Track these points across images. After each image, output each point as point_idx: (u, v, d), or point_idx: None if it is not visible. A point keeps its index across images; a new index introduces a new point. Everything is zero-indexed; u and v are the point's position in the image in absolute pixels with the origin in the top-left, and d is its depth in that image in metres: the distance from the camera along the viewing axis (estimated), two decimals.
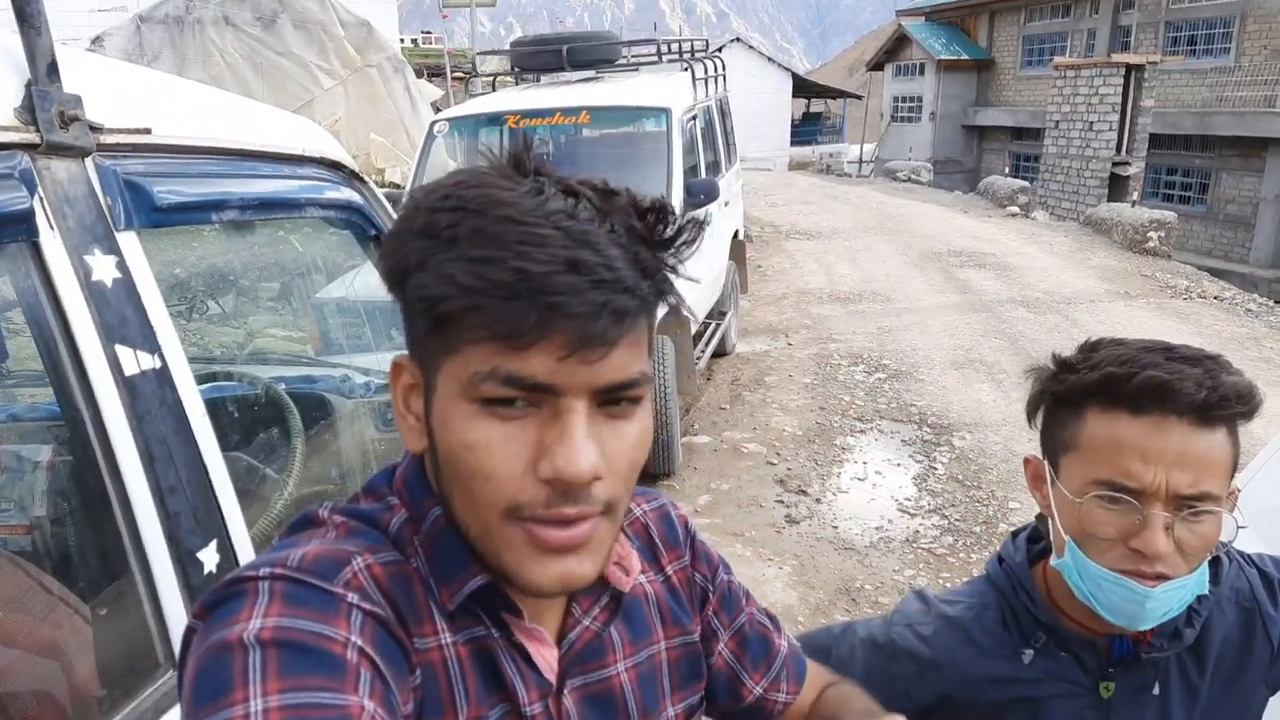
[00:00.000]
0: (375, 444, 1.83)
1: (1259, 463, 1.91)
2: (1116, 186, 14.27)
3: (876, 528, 4.18)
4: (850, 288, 9.00)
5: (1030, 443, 0.92)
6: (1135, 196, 14.11)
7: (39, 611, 1.03)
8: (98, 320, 0.90)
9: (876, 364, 6.54)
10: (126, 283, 0.95)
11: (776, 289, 9.03)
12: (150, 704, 0.92)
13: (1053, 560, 0.90)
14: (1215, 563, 0.92)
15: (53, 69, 0.88)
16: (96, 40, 9.56)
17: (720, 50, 8.13)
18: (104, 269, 0.92)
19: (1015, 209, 14.41)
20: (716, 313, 6.18)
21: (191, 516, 0.97)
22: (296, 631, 0.51)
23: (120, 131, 0.98)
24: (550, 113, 5.32)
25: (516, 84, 6.45)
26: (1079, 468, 0.85)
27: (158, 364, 0.96)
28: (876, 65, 29.20)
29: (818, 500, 4.46)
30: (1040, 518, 0.98)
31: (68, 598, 1.04)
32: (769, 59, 31.91)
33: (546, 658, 0.64)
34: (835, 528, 4.18)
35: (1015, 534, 1.02)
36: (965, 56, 24.92)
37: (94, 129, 0.93)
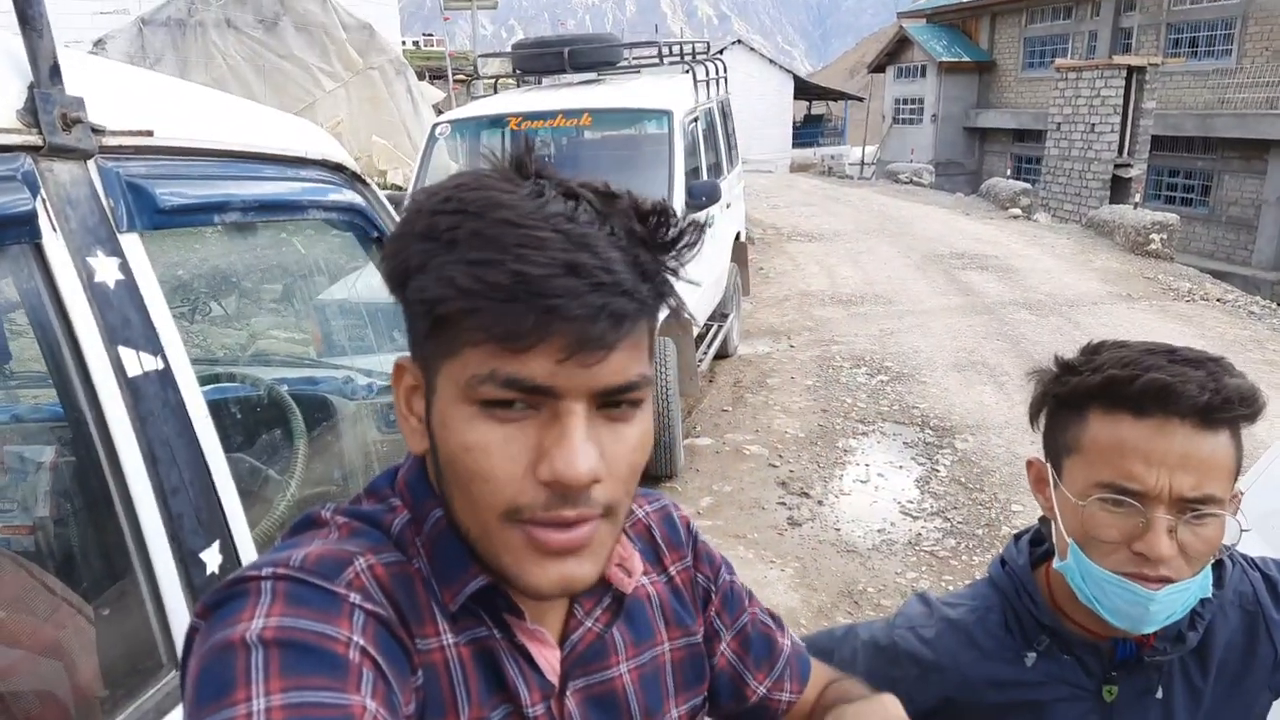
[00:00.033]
0: (377, 445, 1.83)
1: (1262, 465, 1.91)
2: (1118, 189, 14.26)
3: (879, 530, 4.17)
4: (852, 290, 9.00)
5: (1033, 445, 0.92)
6: (1137, 199, 14.11)
7: (42, 612, 1.03)
8: (100, 322, 0.90)
9: (879, 366, 6.54)
10: (129, 284, 0.95)
11: (778, 291, 9.03)
12: (153, 704, 0.92)
13: (1055, 563, 0.90)
14: (1218, 566, 0.92)
15: (55, 71, 0.88)
16: (99, 43, 9.58)
17: (722, 52, 8.13)
18: (107, 270, 0.93)
19: (1017, 211, 14.41)
20: (718, 315, 6.18)
21: (194, 517, 0.97)
22: (299, 631, 0.51)
23: (123, 134, 0.98)
24: (552, 115, 5.32)
25: (518, 86, 6.46)
26: (1082, 470, 0.85)
27: (160, 365, 0.97)
28: (878, 67, 29.21)
29: (820, 502, 4.46)
30: (1043, 520, 0.98)
31: (71, 598, 1.05)
32: (770, 61, 31.93)
33: (549, 659, 0.64)
34: (837, 530, 4.18)
35: (1018, 536, 1.02)
36: (967, 58, 24.92)
37: (96, 131, 0.94)
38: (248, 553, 1.05)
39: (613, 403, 0.56)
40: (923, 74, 25.79)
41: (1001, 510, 4.32)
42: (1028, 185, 15.91)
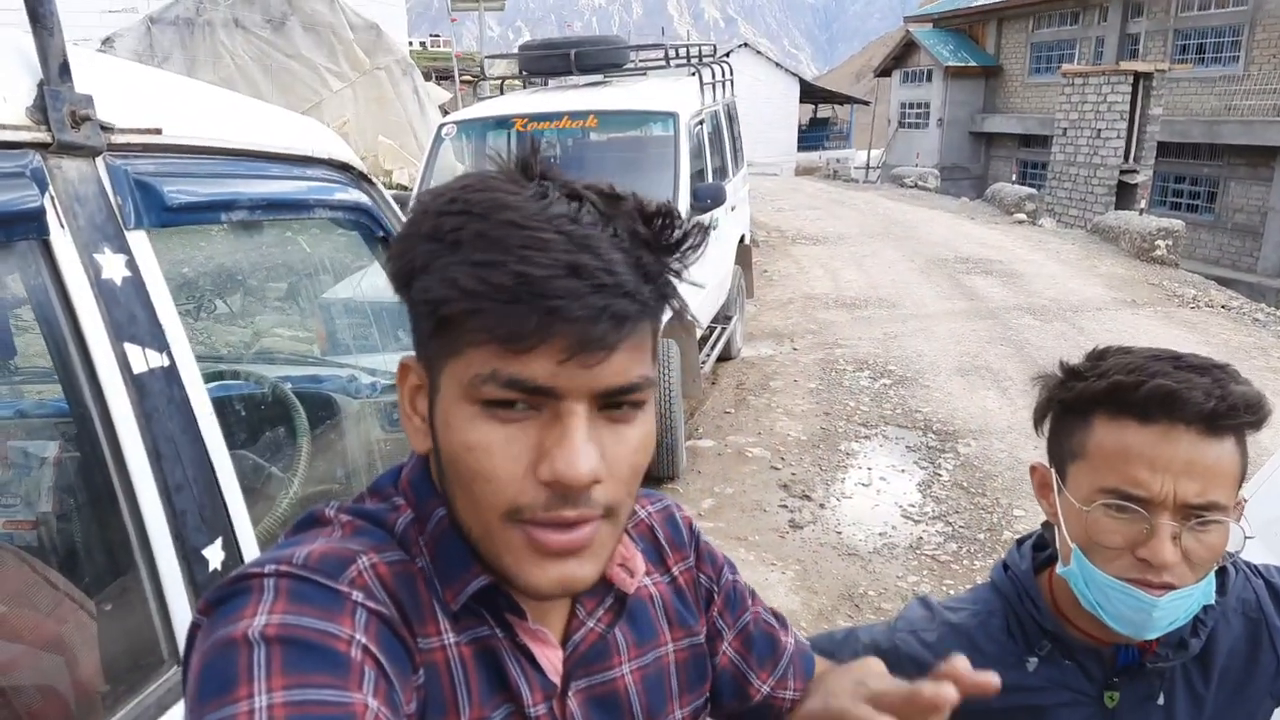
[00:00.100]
0: (380, 444, 1.84)
1: (1266, 472, 1.90)
2: (1124, 194, 14.24)
3: (880, 534, 4.17)
4: (856, 293, 9.00)
5: (1036, 450, 0.92)
6: (1143, 204, 14.09)
7: (44, 606, 1.04)
8: (107, 318, 0.91)
9: (882, 370, 6.53)
10: (136, 281, 0.95)
11: (782, 294, 9.02)
12: (154, 700, 0.92)
13: (1059, 568, 0.90)
14: (1222, 573, 0.92)
15: (65, 69, 0.89)
16: (107, 41, 9.61)
17: (728, 55, 8.15)
18: (114, 268, 0.93)
19: (1022, 216, 14.39)
20: (722, 317, 6.18)
21: (197, 514, 0.97)
22: (301, 629, 0.51)
23: (131, 131, 0.98)
24: (558, 116, 5.33)
25: (524, 87, 6.47)
26: (1086, 476, 0.85)
27: (166, 362, 0.97)
28: (884, 71, 29.21)
29: (821, 505, 4.46)
30: (1046, 525, 0.98)
31: (73, 593, 1.05)
32: (776, 64, 31.96)
33: (551, 659, 0.64)
34: (839, 533, 4.18)
35: (1021, 541, 1.01)
36: (973, 63, 24.90)
37: (105, 129, 0.94)
38: (250, 550, 1.05)
39: (614, 404, 0.56)
40: (929, 78, 25.77)
41: (1003, 515, 4.31)
42: (1033, 190, 15.88)
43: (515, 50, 6.59)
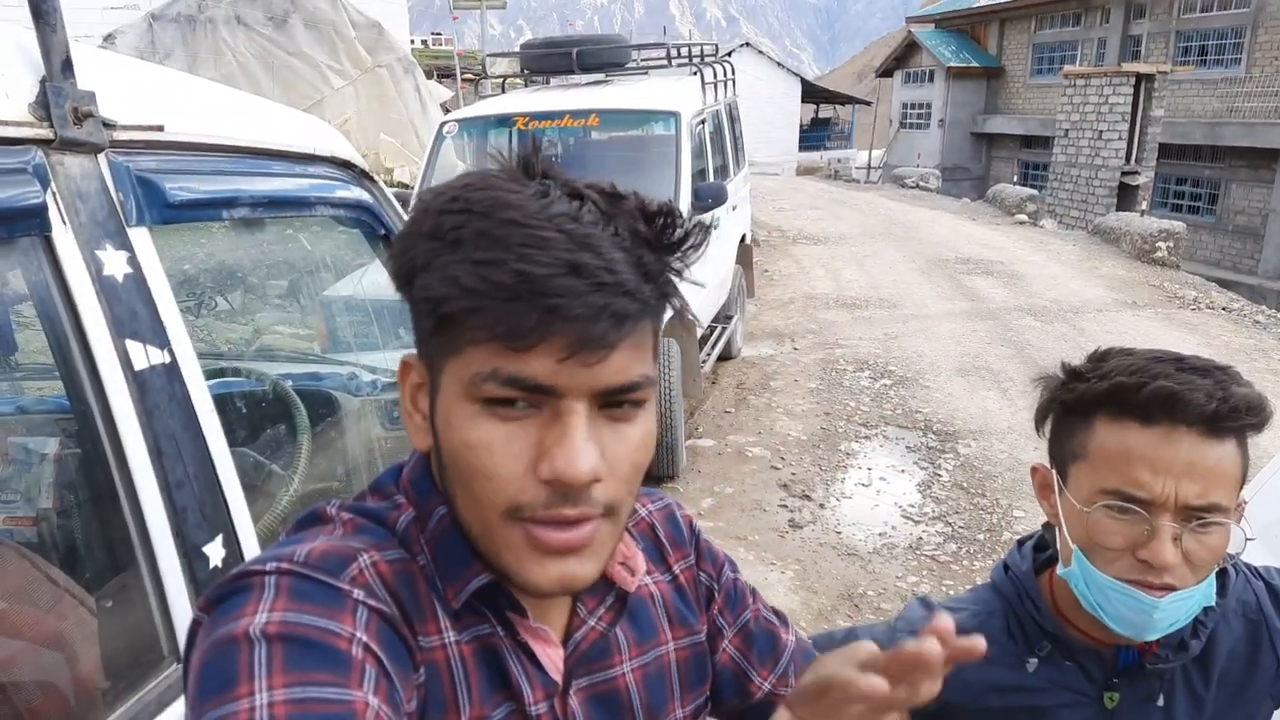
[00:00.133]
0: (381, 442, 1.84)
1: (1266, 474, 1.90)
2: (1125, 196, 14.24)
3: (880, 534, 4.17)
4: (857, 293, 9.00)
5: (1036, 451, 0.92)
6: (1144, 206, 14.08)
7: (45, 603, 1.04)
8: (108, 315, 0.91)
9: (882, 370, 6.53)
10: (137, 278, 0.95)
11: (783, 294, 9.02)
12: (154, 696, 0.92)
13: (1059, 569, 0.90)
14: (1222, 574, 0.92)
15: (67, 66, 0.89)
16: (108, 38, 9.61)
17: (730, 55, 8.15)
18: (115, 264, 0.93)
19: (1023, 217, 14.39)
20: (723, 316, 6.18)
21: (198, 511, 0.97)
22: (302, 626, 0.51)
23: (133, 128, 0.98)
24: (559, 115, 5.33)
25: (526, 86, 6.46)
26: (1087, 477, 0.85)
27: (167, 359, 0.97)
28: (886, 72, 29.19)
29: (821, 505, 4.46)
30: (1047, 526, 0.98)
31: (73, 590, 1.05)
32: (778, 64, 31.95)
33: (552, 658, 0.64)
34: (839, 533, 4.18)
35: (1021, 542, 1.01)
36: (975, 64, 24.89)
37: (107, 125, 0.94)
38: (251, 547, 1.05)
39: (615, 402, 0.56)
40: (930, 79, 25.76)
41: (1003, 516, 4.31)
42: (1034, 191, 15.88)
43: (517, 49, 6.58)
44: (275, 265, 1.96)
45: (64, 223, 0.88)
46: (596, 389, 0.54)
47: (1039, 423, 0.93)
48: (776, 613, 0.83)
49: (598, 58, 5.88)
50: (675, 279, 0.58)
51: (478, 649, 0.61)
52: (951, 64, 24.75)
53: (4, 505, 1.22)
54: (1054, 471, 0.91)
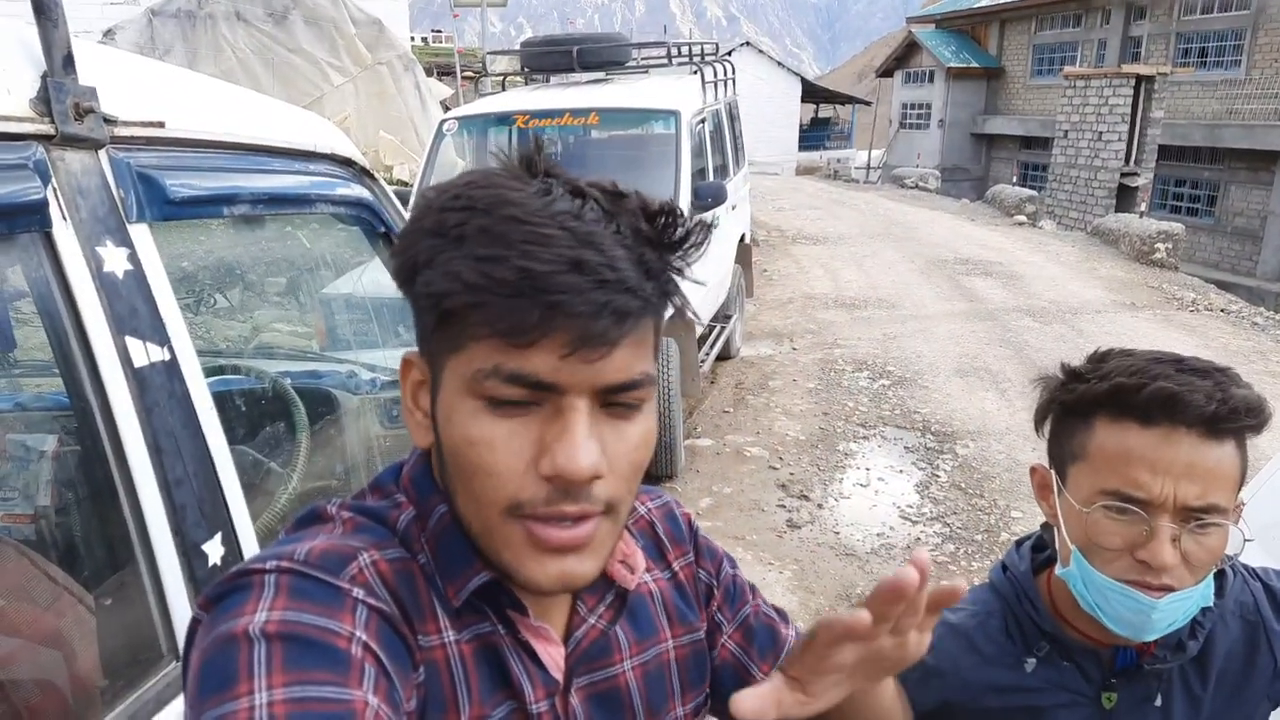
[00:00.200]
0: (380, 440, 1.84)
1: (1264, 476, 1.91)
2: (1124, 197, 14.24)
3: (878, 534, 4.17)
4: (856, 294, 9.00)
5: (1034, 452, 0.93)
6: (1143, 207, 14.09)
7: (43, 601, 1.04)
8: (108, 311, 0.91)
9: (881, 370, 6.53)
10: (138, 275, 0.95)
11: (782, 293, 9.02)
12: (153, 695, 0.92)
13: (1058, 569, 0.90)
14: (1220, 576, 0.92)
15: (68, 61, 0.89)
16: (108, 33, 9.60)
17: (730, 54, 8.15)
18: (116, 261, 0.93)
19: (1022, 218, 14.40)
20: (721, 316, 6.18)
21: (197, 509, 0.97)
22: (302, 625, 0.51)
23: (134, 124, 0.98)
24: (559, 113, 5.32)
25: (526, 84, 6.46)
26: (1087, 477, 0.85)
27: (167, 356, 0.97)
28: (886, 72, 29.18)
29: (819, 505, 4.46)
30: (1045, 526, 0.98)
31: (72, 587, 1.05)
32: (779, 63, 31.94)
33: (553, 656, 0.64)
34: (837, 533, 4.18)
35: (1020, 542, 1.02)
36: (975, 64, 24.89)
37: (108, 121, 0.94)
38: (250, 545, 1.05)
39: (616, 400, 0.56)
40: (931, 79, 25.76)
41: (1001, 516, 4.32)
42: (1033, 192, 15.89)
43: (517, 46, 6.58)
44: (275, 262, 1.95)
45: (64, 219, 0.88)
46: (598, 386, 0.55)
47: (1038, 423, 0.93)
48: (776, 609, 0.83)
49: (598, 56, 5.87)
50: (677, 277, 0.58)
51: (478, 648, 0.61)
52: (952, 64, 24.75)
53: (3, 502, 1.22)
54: (1053, 472, 0.91)
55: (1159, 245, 10.90)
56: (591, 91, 5.64)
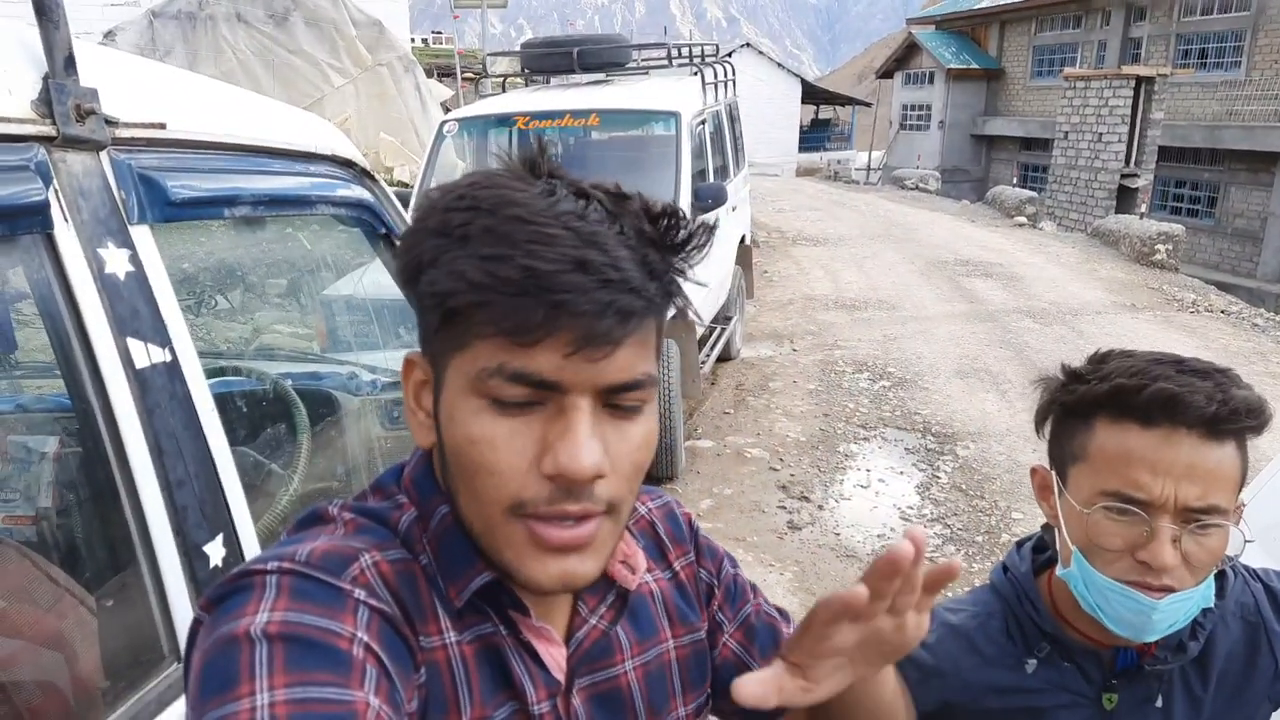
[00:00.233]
0: (380, 441, 1.84)
1: (1265, 477, 1.90)
2: (1124, 198, 14.25)
3: (879, 535, 4.17)
4: (856, 295, 9.00)
5: (1035, 454, 0.93)
6: (1143, 209, 14.10)
7: (44, 602, 1.04)
8: (110, 313, 0.91)
9: (881, 371, 6.53)
10: (139, 276, 0.95)
11: (782, 295, 9.02)
12: (154, 696, 0.92)
13: (1058, 570, 0.90)
14: (1221, 577, 0.92)
15: (70, 63, 0.89)
16: (109, 35, 9.61)
17: (730, 55, 8.15)
18: (117, 262, 0.93)
19: (1023, 219, 14.40)
20: (722, 317, 6.18)
21: (198, 510, 0.97)
22: (303, 626, 0.51)
23: (135, 125, 0.98)
24: (560, 115, 5.33)
25: (526, 85, 6.46)
26: (1087, 478, 0.85)
27: (168, 358, 0.97)
28: (886, 73, 29.19)
29: (820, 507, 4.46)
30: (1046, 527, 0.98)
31: (73, 589, 1.05)
32: (779, 65, 31.93)
33: (555, 656, 0.64)
34: (837, 535, 4.18)
35: (1020, 543, 1.02)
36: (975, 66, 24.90)
37: (109, 123, 0.94)
38: (251, 546, 1.05)
39: (618, 400, 0.56)
40: (931, 80, 25.77)
41: (1001, 518, 4.32)
42: (1034, 193, 15.89)
43: (517, 48, 6.58)
44: (276, 264, 1.95)
45: (66, 220, 0.88)
46: (600, 385, 0.55)
47: (1039, 424, 0.93)
48: (778, 608, 0.83)
49: (598, 57, 5.88)
50: (679, 278, 0.59)
51: (479, 649, 0.61)
52: (952, 65, 24.76)
53: (4, 504, 1.22)
54: (1053, 473, 0.91)
55: (1159, 246, 10.90)
56: (592, 93, 5.64)
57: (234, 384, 1.63)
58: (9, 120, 0.83)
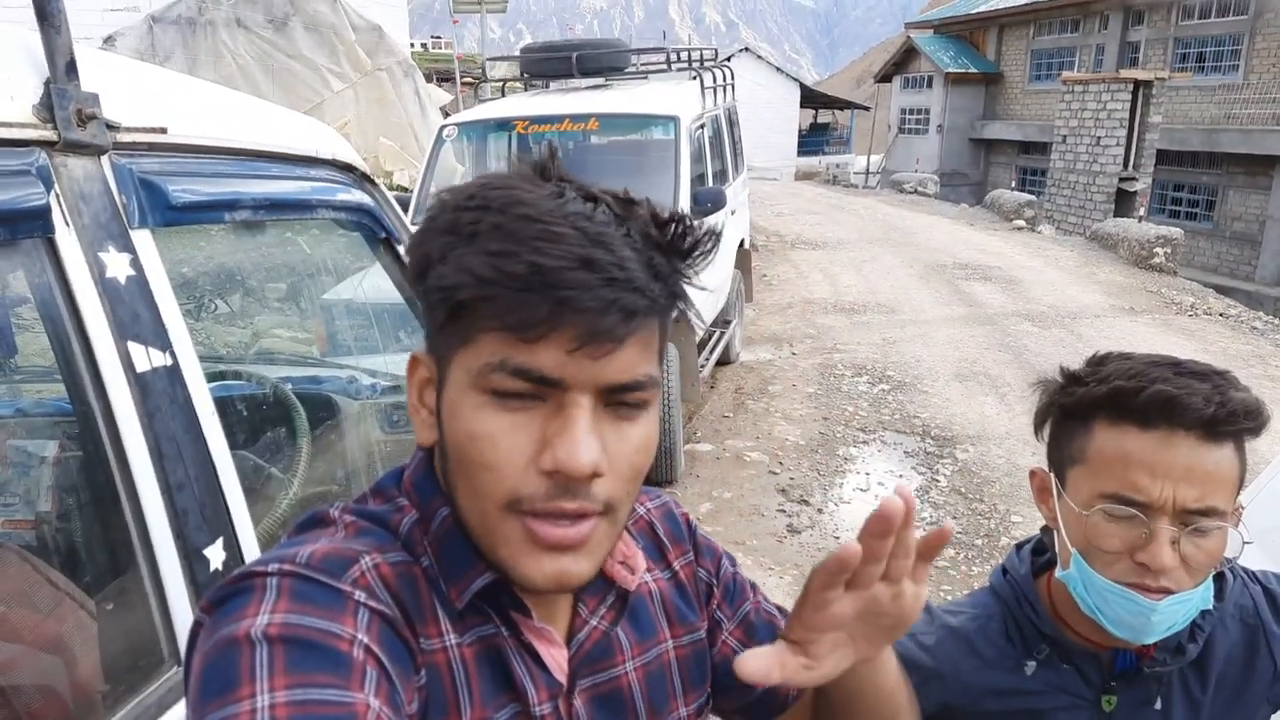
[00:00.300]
0: (380, 445, 1.84)
1: (1264, 480, 1.91)
2: (1123, 202, 14.27)
3: None
4: (855, 298, 9.01)
5: (1034, 456, 0.93)
6: (1142, 212, 14.11)
7: (44, 606, 1.04)
8: (111, 317, 0.91)
9: (880, 375, 6.54)
10: (140, 280, 0.95)
11: (781, 298, 9.03)
12: (154, 699, 0.92)
13: (1058, 572, 0.90)
14: (1219, 578, 0.93)
15: (71, 67, 0.89)
16: (109, 40, 9.62)
17: (729, 59, 8.17)
18: (118, 266, 0.93)
19: (1021, 223, 14.41)
20: (721, 321, 6.19)
21: (199, 514, 0.97)
22: (304, 628, 0.52)
23: (136, 130, 0.98)
24: (559, 119, 5.34)
25: (526, 90, 6.48)
26: (1086, 480, 0.85)
27: (169, 362, 0.97)
28: (884, 77, 29.25)
29: (819, 510, 4.46)
30: (1045, 530, 0.99)
31: (73, 592, 1.05)
32: (777, 69, 31.99)
33: (556, 658, 0.65)
34: (837, 538, 4.17)
35: (1020, 546, 1.02)
36: (973, 70, 24.95)
37: (111, 127, 0.94)
38: (251, 549, 1.05)
39: (619, 400, 0.57)
40: (929, 84, 25.81)
41: (1001, 521, 4.32)
42: (1032, 197, 15.91)
43: (517, 52, 6.60)
44: (276, 268, 1.96)
45: (67, 225, 0.88)
46: (602, 384, 0.55)
47: (1038, 427, 0.93)
48: (777, 606, 0.83)
49: (597, 62, 5.89)
50: (684, 282, 0.59)
51: (480, 650, 0.61)
52: (950, 70, 24.81)
53: (4, 508, 1.22)
54: (1052, 475, 0.91)
55: (1158, 250, 10.92)
56: (591, 97, 5.66)
57: (234, 388, 1.64)
58: (10, 125, 0.84)
